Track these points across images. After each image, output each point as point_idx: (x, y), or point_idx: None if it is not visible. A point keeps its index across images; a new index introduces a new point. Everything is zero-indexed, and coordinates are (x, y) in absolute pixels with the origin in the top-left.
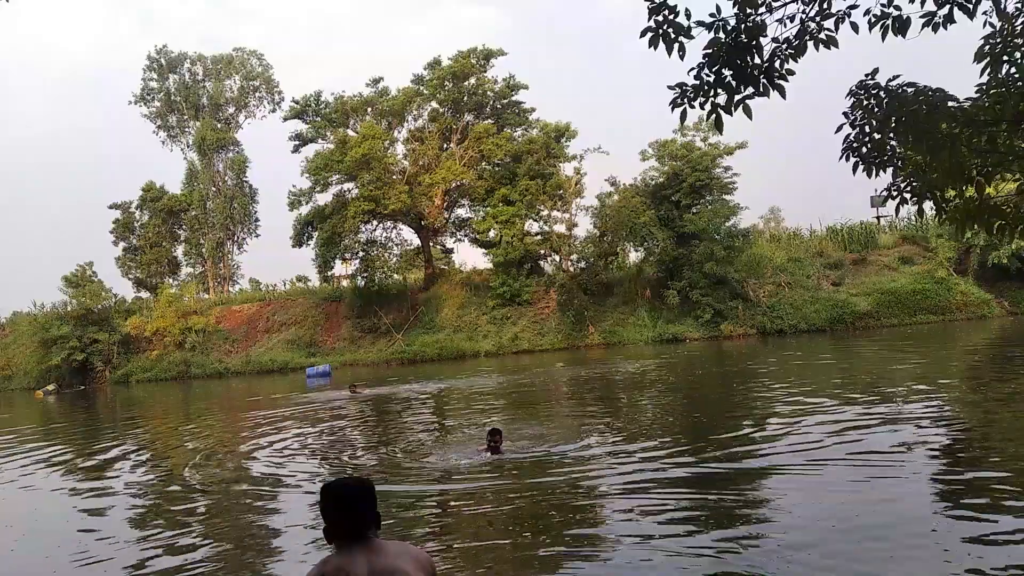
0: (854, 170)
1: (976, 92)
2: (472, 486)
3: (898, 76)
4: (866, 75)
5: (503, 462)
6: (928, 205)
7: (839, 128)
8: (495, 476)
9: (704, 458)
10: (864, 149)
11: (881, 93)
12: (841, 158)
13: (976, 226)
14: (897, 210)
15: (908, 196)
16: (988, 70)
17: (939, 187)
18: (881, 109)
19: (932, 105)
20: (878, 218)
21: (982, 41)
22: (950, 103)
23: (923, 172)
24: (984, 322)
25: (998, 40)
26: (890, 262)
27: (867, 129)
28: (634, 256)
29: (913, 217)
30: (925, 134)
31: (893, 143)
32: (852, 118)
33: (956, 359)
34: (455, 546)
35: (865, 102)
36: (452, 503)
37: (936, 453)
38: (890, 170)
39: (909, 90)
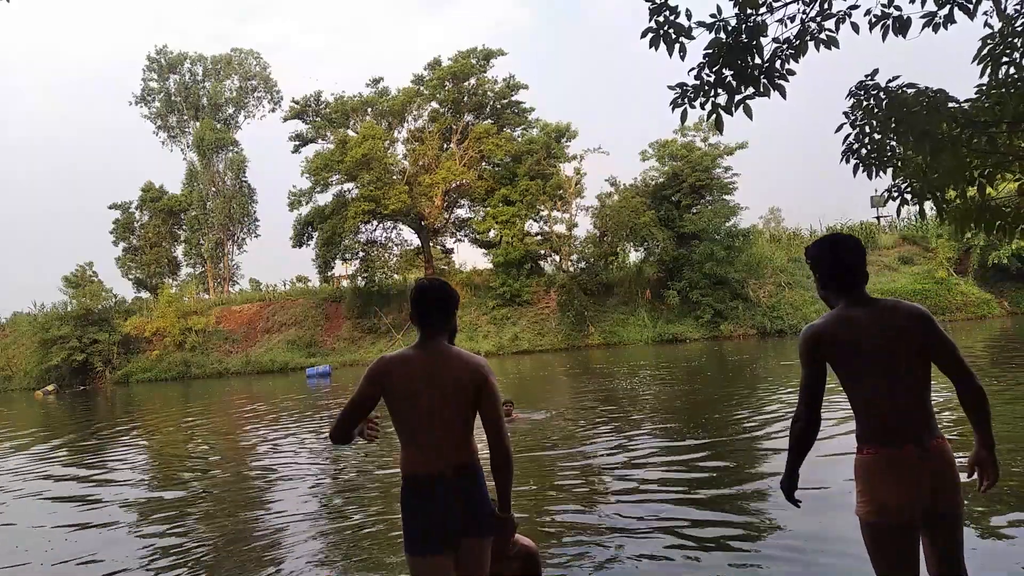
0: (854, 172)
1: (976, 93)
2: None
3: (898, 77)
4: (866, 75)
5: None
6: (928, 205)
7: (839, 128)
8: None
9: (709, 452)
10: (864, 150)
11: (881, 94)
12: (842, 160)
13: (976, 227)
14: (898, 211)
15: (909, 197)
16: (988, 71)
17: (940, 188)
18: (881, 110)
19: (933, 106)
20: (878, 218)
21: (980, 43)
22: (951, 104)
23: (924, 173)
24: (984, 322)
25: (997, 40)
26: (890, 262)
27: (867, 129)
28: (634, 256)
29: (914, 217)
30: (926, 135)
31: (893, 143)
32: (852, 118)
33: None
34: None
35: (865, 103)
36: None
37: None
38: (890, 171)
39: (910, 91)
